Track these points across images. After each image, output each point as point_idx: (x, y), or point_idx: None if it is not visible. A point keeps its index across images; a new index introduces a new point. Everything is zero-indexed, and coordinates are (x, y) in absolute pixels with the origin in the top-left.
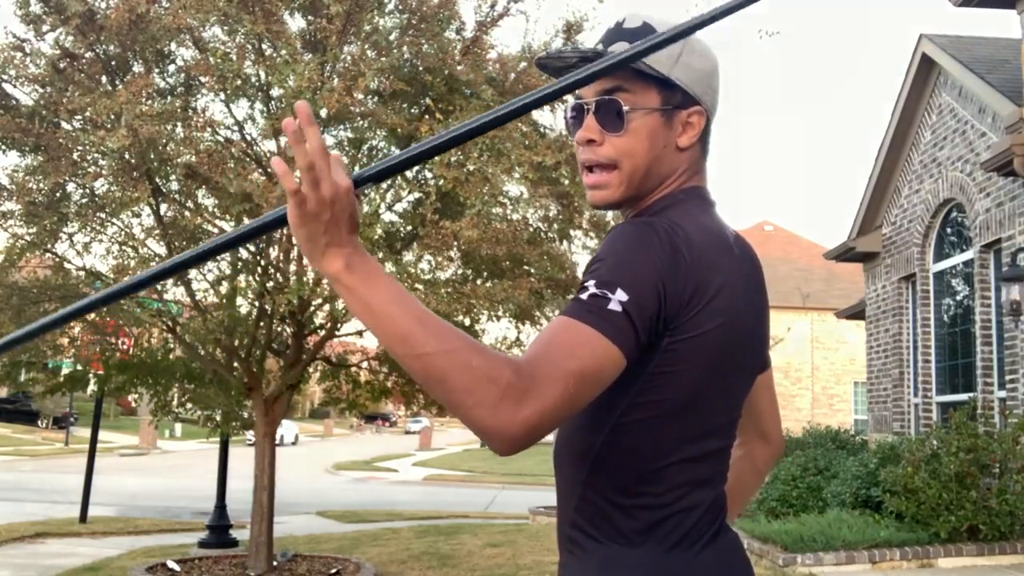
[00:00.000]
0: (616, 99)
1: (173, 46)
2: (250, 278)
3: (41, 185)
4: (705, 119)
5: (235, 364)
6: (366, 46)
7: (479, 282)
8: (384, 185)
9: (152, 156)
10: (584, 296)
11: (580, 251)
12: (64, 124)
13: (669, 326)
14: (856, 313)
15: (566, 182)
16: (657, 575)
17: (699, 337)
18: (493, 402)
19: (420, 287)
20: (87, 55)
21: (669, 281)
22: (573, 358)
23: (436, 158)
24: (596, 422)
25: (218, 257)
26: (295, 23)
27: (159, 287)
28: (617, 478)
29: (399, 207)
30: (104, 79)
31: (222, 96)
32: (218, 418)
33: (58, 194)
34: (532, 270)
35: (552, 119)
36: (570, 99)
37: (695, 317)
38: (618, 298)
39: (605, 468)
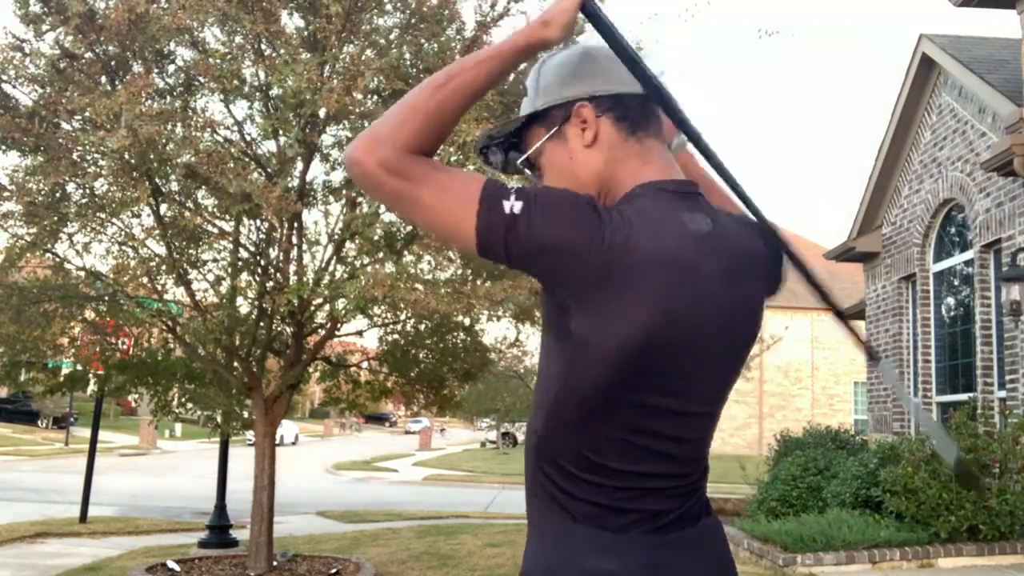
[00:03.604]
0: (518, 161)
1: (172, 46)
2: (250, 278)
3: (41, 185)
4: (594, 104)
5: (235, 364)
6: (365, 46)
7: (479, 282)
8: None
9: (152, 156)
10: (506, 184)
11: None
12: (64, 124)
13: (571, 297)
14: (856, 313)
15: None
16: (603, 554)
17: (615, 324)
18: (361, 143)
19: (420, 287)
20: (87, 55)
21: (572, 237)
22: (436, 196)
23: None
24: (539, 406)
25: (218, 257)
26: (293, 23)
27: (159, 287)
28: (559, 462)
29: None
30: (104, 79)
31: (221, 96)
32: (218, 418)
33: (58, 194)
34: None
35: None
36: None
37: (611, 302)
38: (514, 203)
39: (548, 451)
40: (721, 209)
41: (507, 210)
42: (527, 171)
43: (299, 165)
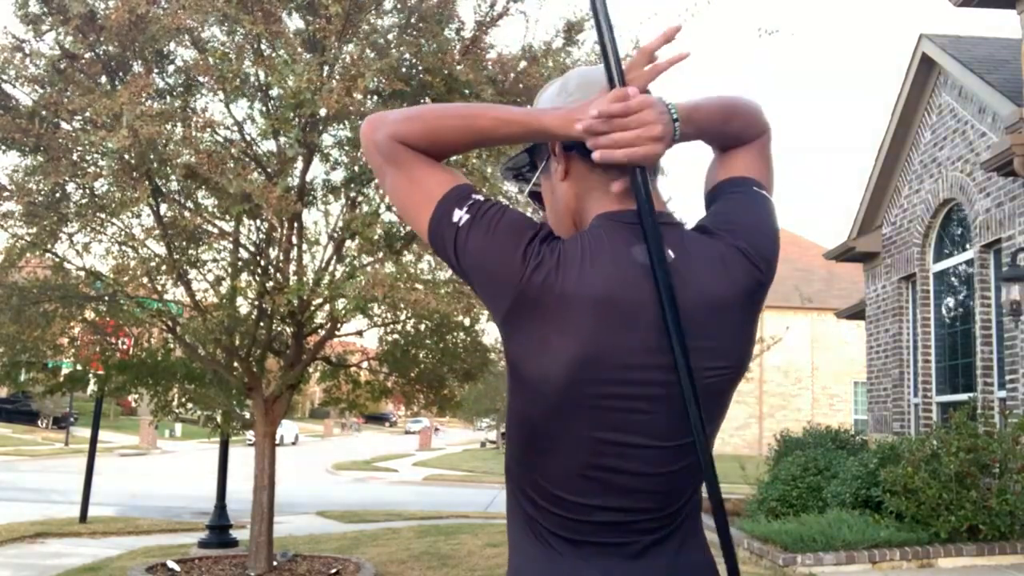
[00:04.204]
0: (525, 193)
1: (173, 46)
2: (250, 278)
3: (41, 185)
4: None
5: (235, 364)
6: (365, 46)
7: (501, 322)
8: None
9: (152, 156)
10: (471, 194)
11: None
12: (64, 124)
13: (499, 321)
14: (856, 313)
15: None
16: None
17: (539, 357)
18: (370, 119)
19: (420, 287)
20: (87, 55)
21: (493, 264)
22: (407, 185)
23: None
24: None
25: (217, 257)
26: (293, 23)
27: (159, 287)
28: (524, 488)
29: None
30: (104, 79)
31: (221, 96)
32: (218, 418)
33: (58, 194)
34: None
35: None
36: None
37: (533, 336)
38: (463, 215)
39: (513, 476)
40: (700, 236)
41: (455, 219)
42: (535, 204)
43: (299, 165)
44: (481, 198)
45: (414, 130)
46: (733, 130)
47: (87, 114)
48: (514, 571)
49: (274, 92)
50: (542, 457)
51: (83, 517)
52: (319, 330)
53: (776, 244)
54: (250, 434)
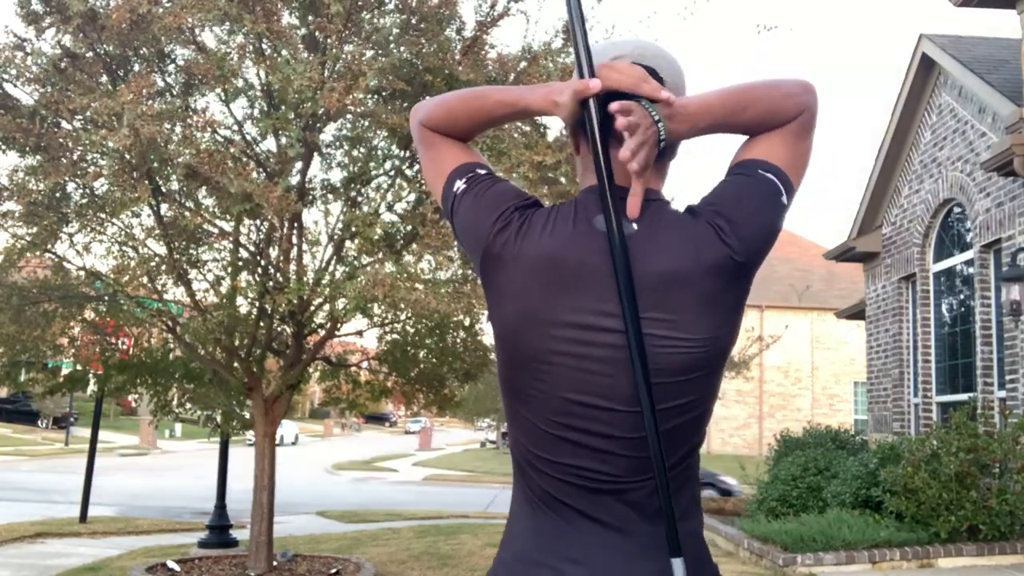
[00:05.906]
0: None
1: (172, 46)
2: (250, 278)
3: (41, 185)
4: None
5: (235, 364)
6: (366, 46)
7: (479, 281)
8: (384, 185)
9: (152, 156)
10: (475, 169)
11: None
12: (65, 124)
13: (478, 273)
14: (856, 313)
15: (565, 181)
16: (531, 544)
17: (499, 313)
18: (415, 106)
19: (420, 287)
20: (88, 55)
21: (473, 227)
22: (430, 162)
23: None
24: None
25: (218, 257)
26: (293, 22)
27: (159, 287)
28: (515, 452)
29: (399, 207)
30: (105, 79)
31: (221, 96)
32: (218, 418)
33: (58, 194)
34: None
35: (552, 118)
36: None
37: (494, 294)
38: (461, 185)
39: (511, 442)
40: (679, 214)
41: (455, 188)
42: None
43: (299, 165)
44: (483, 172)
45: (438, 116)
46: (747, 120)
47: (88, 113)
48: (506, 534)
49: (276, 88)
50: (518, 412)
51: (83, 517)
52: (319, 330)
53: (761, 224)
54: (250, 434)
